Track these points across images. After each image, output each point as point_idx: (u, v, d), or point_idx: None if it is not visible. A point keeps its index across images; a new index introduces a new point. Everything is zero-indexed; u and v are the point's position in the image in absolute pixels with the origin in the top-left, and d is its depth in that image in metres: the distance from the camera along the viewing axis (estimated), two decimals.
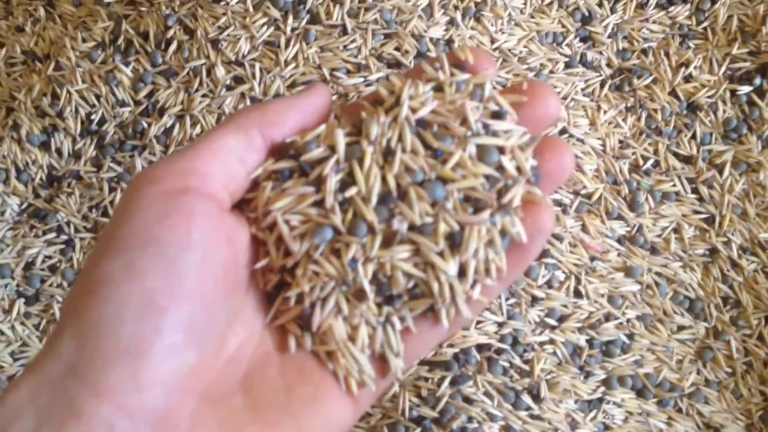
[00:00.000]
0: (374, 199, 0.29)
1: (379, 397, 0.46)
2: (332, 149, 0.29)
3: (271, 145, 0.29)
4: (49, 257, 0.50)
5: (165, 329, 0.25)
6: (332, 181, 0.29)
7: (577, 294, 0.49)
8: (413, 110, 0.29)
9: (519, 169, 0.29)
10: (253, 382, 0.28)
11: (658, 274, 0.50)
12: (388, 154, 0.29)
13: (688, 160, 0.52)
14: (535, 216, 0.29)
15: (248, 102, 0.50)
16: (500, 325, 0.47)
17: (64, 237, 0.51)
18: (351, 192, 0.29)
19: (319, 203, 0.29)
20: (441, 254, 0.29)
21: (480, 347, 0.47)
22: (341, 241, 0.29)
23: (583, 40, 0.54)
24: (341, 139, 0.29)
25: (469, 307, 0.30)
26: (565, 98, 0.52)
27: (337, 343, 0.29)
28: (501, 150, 0.29)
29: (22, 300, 0.49)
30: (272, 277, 0.30)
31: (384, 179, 0.29)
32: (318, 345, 0.30)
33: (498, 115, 0.30)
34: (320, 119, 0.31)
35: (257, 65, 0.51)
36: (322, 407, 0.29)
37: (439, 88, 0.30)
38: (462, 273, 0.29)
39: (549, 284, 0.48)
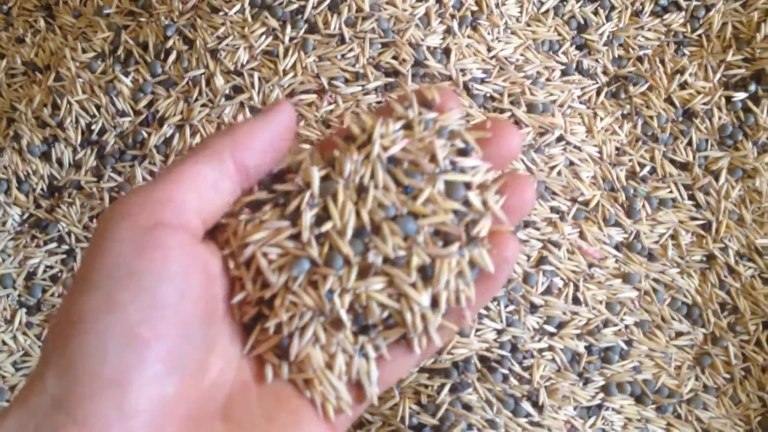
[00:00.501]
0: (349, 233, 0.29)
1: (379, 405, 0.46)
2: (307, 185, 0.30)
3: (243, 169, 0.30)
4: (51, 267, 0.51)
5: (147, 360, 0.25)
6: (308, 216, 0.30)
7: (576, 301, 0.49)
8: (384, 148, 0.30)
9: (485, 203, 0.30)
10: (233, 410, 0.29)
11: (655, 280, 0.50)
12: (361, 190, 0.30)
13: (684, 166, 0.52)
14: (501, 247, 0.30)
15: (247, 111, 0.51)
16: (499, 332, 0.47)
17: (65, 247, 0.51)
18: (327, 226, 0.29)
19: (296, 237, 0.30)
20: (414, 286, 0.30)
21: (479, 355, 0.47)
22: (318, 273, 0.29)
23: (579, 48, 0.54)
24: (316, 176, 0.30)
25: (440, 335, 0.31)
26: (561, 106, 0.52)
27: (315, 371, 0.30)
28: (468, 185, 0.30)
29: (24, 310, 0.50)
30: (249, 309, 0.30)
31: (358, 214, 0.30)
32: (295, 373, 0.30)
33: (464, 152, 0.31)
34: (287, 136, 0.31)
35: (256, 75, 0.51)
36: (302, 430, 0.30)
37: (408, 126, 0.31)
38: (434, 303, 0.30)
39: (548, 291, 0.49)
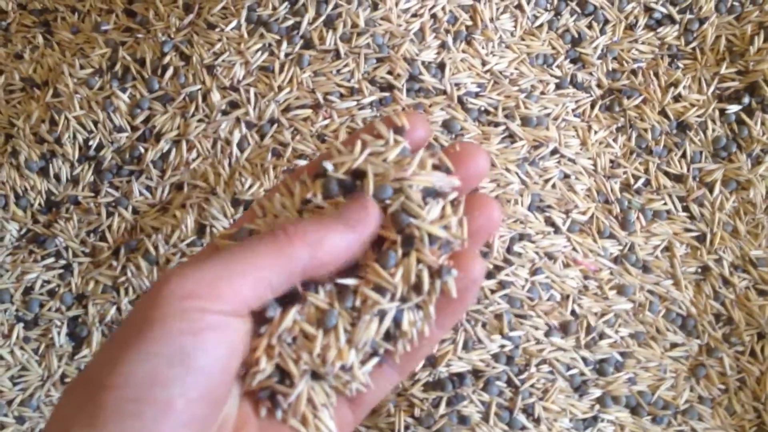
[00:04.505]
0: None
1: (375, 419, 0.46)
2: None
3: (303, 269, 0.29)
4: (48, 282, 0.51)
5: (175, 425, 0.26)
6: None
7: (571, 313, 0.49)
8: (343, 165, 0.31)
9: (460, 227, 0.31)
10: None
11: (650, 292, 0.50)
12: None
13: (678, 178, 0.53)
14: (468, 269, 0.31)
15: (243, 126, 0.51)
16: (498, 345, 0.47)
17: (62, 262, 0.51)
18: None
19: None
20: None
21: (475, 368, 0.47)
22: (309, 335, 0.30)
23: (574, 61, 0.55)
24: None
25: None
26: (556, 119, 0.52)
27: (306, 410, 0.31)
28: (441, 196, 0.31)
29: (21, 324, 0.50)
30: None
31: None
32: (289, 416, 0.31)
33: (438, 168, 0.32)
34: (366, 243, 0.31)
35: (252, 90, 0.51)
36: None
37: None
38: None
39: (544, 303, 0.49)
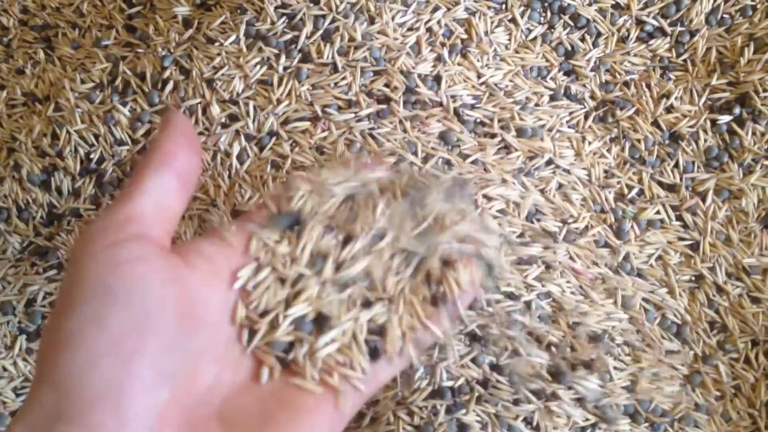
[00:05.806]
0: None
1: (375, 426, 0.47)
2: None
3: (181, 175, 0.32)
4: (50, 294, 0.51)
5: (137, 368, 0.27)
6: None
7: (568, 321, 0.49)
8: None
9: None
10: (229, 411, 0.30)
11: (645, 300, 0.51)
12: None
13: (671, 188, 0.53)
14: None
15: (242, 139, 0.52)
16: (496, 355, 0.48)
17: (64, 274, 0.52)
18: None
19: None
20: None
21: (474, 376, 0.47)
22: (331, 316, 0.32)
23: (567, 73, 0.56)
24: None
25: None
26: (550, 130, 0.53)
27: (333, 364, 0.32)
28: None
29: (24, 336, 0.50)
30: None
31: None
32: (307, 369, 0.31)
33: None
34: (193, 133, 0.34)
35: (251, 103, 0.52)
36: (300, 429, 0.31)
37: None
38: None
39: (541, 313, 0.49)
